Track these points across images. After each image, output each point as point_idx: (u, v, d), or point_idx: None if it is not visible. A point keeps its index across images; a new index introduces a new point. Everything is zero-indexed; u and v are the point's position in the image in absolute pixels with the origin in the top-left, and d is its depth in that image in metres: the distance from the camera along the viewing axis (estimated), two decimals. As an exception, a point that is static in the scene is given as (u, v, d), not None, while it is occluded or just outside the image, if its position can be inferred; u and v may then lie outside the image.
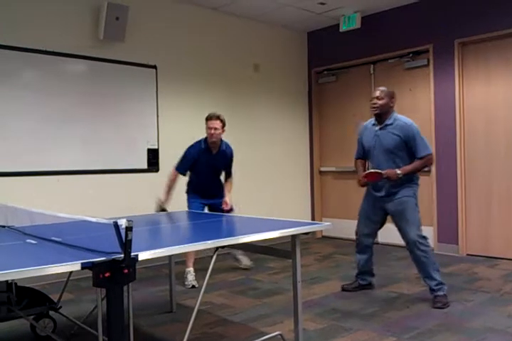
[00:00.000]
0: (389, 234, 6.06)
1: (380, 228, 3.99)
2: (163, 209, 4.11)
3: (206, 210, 4.52)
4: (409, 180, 3.68)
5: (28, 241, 2.35)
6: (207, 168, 4.43)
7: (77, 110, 4.80)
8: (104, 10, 4.77)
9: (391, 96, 3.73)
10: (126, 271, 1.86)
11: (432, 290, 3.63)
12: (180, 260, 5.15)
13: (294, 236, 2.69)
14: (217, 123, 4.32)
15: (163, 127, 5.45)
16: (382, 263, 5.03)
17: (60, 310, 3.07)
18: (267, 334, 2.91)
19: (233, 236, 2.48)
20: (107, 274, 1.83)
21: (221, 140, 4.46)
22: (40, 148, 4.55)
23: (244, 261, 4.91)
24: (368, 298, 3.81)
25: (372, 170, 3.64)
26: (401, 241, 6.03)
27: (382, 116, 3.71)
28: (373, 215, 3.88)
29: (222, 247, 2.40)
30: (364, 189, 3.97)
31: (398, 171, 3.56)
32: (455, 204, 5.45)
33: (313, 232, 6.67)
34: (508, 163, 5.13)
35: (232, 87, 6.09)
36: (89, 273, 1.81)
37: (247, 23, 6.27)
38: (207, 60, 5.85)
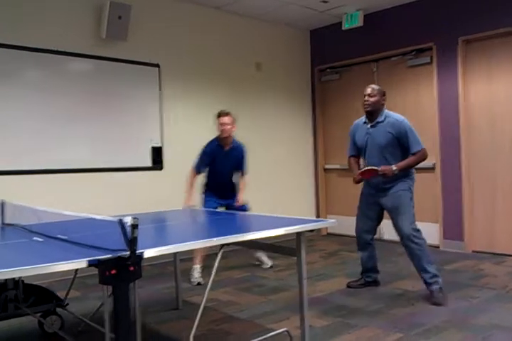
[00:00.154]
0: (393, 230, 6.07)
1: (378, 224, 3.99)
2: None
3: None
4: (404, 174, 3.70)
5: (35, 239, 2.37)
6: (221, 165, 4.53)
7: (80, 109, 4.81)
8: (107, 9, 4.78)
9: (382, 93, 3.77)
10: (132, 268, 1.87)
11: (427, 283, 3.64)
12: (186, 257, 5.15)
13: (299, 234, 2.69)
14: (227, 119, 4.47)
15: (167, 125, 5.46)
16: (387, 259, 5.02)
17: (67, 307, 3.09)
18: (273, 330, 2.92)
19: (238, 233, 2.48)
20: (113, 271, 1.84)
21: (232, 137, 4.59)
22: (44, 147, 4.57)
23: (266, 261, 4.92)
24: (374, 295, 3.81)
25: (368, 168, 3.65)
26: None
27: (373, 113, 3.74)
28: (370, 211, 3.90)
29: (228, 244, 2.41)
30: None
31: (394, 167, 3.58)
32: (460, 200, 5.44)
33: (319, 229, 6.68)
34: (512, 159, 5.13)
35: (235, 85, 6.10)
36: (95, 271, 1.82)
37: (249, 22, 6.27)
38: (209, 58, 5.85)
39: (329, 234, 6.80)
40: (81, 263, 1.80)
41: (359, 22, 6.00)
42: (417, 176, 5.74)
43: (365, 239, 3.97)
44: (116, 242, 1.92)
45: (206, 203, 4.55)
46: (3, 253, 2.16)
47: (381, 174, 3.60)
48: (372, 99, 3.70)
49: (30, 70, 4.54)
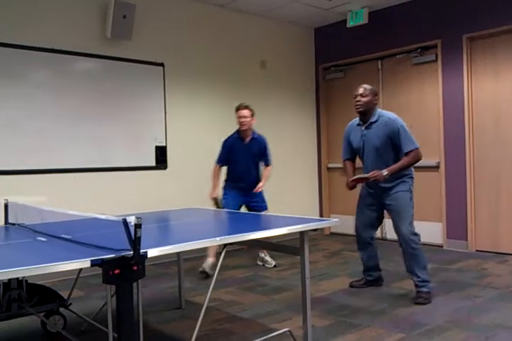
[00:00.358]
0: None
1: (378, 224, 3.95)
2: (216, 201, 4.59)
3: (242, 209, 4.79)
4: (404, 174, 3.64)
5: (39, 238, 2.37)
6: (242, 157, 4.68)
7: (85, 108, 4.82)
8: (112, 8, 4.78)
9: (374, 93, 3.70)
10: (135, 267, 1.87)
11: (416, 285, 3.63)
12: (189, 257, 5.17)
13: (302, 233, 2.69)
14: (246, 112, 4.63)
15: (171, 124, 5.46)
16: (390, 259, 5.02)
17: (70, 307, 3.09)
18: (275, 330, 2.92)
19: (241, 233, 2.48)
20: (117, 271, 1.84)
21: (252, 129, 4.73)
22: (49, 147, 4.58)
23: (269, 260, 4.93)
24: (377, 295, 3.81)
25: (358, 176, 3.62)
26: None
27: (366, 114, 3.68)
28: (369, 211, 3.86)
29: (231, 244, 2.41)
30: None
31: (385, 172, 3.50)
32: (464, 200, 5.43)
33: (322, 229, 6.67)
34: (517, 158, 5.11)
35: (239, 83, 6.09)
36: (98, 270, 1.83)
37: (253, 20, 6.26)
38: (214, 57, 5.85)
39: (332, 234, 6.80)
40: (84, 263, 1.80)
41: (364, 19, 5.98)
42: (421, 175, 5.82)
43: (365, 239, 3.93)
44: (119, 242, 1.93)
45: (224, 201, 4.68)
46: (7, 252, 2.16)
47: (372, 180, 3.54)
48: (364, 99, 3.64)
49: (35, 70, 4.54)
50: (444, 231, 5.63)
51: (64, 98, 4.68)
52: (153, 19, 5.31)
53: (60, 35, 4.67)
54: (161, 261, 4.96)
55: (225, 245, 2.44)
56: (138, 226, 1.85)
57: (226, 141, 4.72)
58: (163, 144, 5.39)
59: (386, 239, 6.20)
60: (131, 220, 1.86)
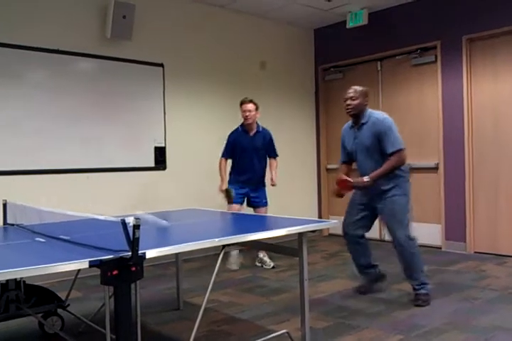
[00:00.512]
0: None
1: (369, 225, 3.81)
2: (228, 193, 4.72)
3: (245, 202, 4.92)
4: (397, 176, 3.54)
5: (37, 239, 2.37)
6: (248, 150, 4.81)
7: (84, 108, 4.81)
8: (111, 8, 4.77)
9: (365, 95, 3.62)
10: (133, 268, 1.87)
11: (414, 288, 3.60)
12: (187, 258, 5.17)
13: (300, 234, 2.69)
14: (250, 106, 4.76)
15: (170, 125, 5.46)
16: (388, 260, 5.00)
17: (68, 308, 3.09)
18: (273, 332, 2.91)
19: (240, 234, 2.48)
20: (115, 272, 1.84)
21: (257, 123, 4.89)
22: (49, 147, 4.57)
23: (268, 261, 4.94)
24: (375, 296, 3.80)
25: (342, 178, 3.55)
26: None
27: (357, 116, 3.61)
28: (359, 211, 3.73)
29: (229, 245, 2.40)
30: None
31: (365, 179, 3.44)
32: (463, 201, 5.43)
33: (320, 230, 6.66)
34: (516, 160, 5.11)
35: (239, 84, 6.09)
36: (97, 271, 1.82)
37: (253, 21, 6.26)
38: (214, 57, 5.85)
39: (331, 235, 6.79)
40: (83, 264, 1.80)
41: (363, 20, 5.97)
42: (420, 176, 5.83)
43: (352, 238, 3.77)
44: (118, 243, 1.92)
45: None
46: (5, 253, 2.16)
47: (355, 187, 3.48)
48: (355, 102, 3.57)
49: (35, 70, 4.54)
50: (442, 233, 5.63)
51: (63, 98, 4.68)
52: (153, 19, 5.31)
53: (60, 36, 4.67)
54: (159, 262, 4.95)
55: (223, 246, 2.44)
56: (136, 227, 1.84)
57: (231, 134, 4.85)
58: (163, 145, 5.39)
59: (384, 241, 6.20)
60: (130, 221, 1.86)
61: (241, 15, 6.12)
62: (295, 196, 6.67)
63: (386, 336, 2.96)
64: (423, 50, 5.77)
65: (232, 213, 3.85)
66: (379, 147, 3.52)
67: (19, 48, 4.41)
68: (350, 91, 3.62)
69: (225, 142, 4.87)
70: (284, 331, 2.89)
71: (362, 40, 6.33)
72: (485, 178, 5.32)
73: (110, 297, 1.97)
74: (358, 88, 3.64)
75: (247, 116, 4.76)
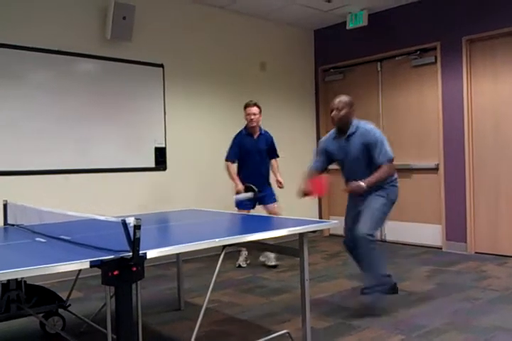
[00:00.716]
0: (396, 231, 6.07)
1: None
2: (251, 188, 4.70)
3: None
4: (386, 182, 3.49)
5: (38, 239, 2.37)
6: (252, 153, 4.88)
7: (85, 109, 4.82)
8: (111, 9, 4.78)
9: (351, 105, 3.53)
10: (134, 269, 1.88)
11: (361, 291, 3.49)
12: (188, 258, 5.17)
13: (301, 235, 2.69)
14: (254, 109, 4.86)
15: (171, 125, 5.46)
16: (389, 261, 5.01)
17: (69, 308, 3.09)
18: (274, 332, 2.91)
19: (241, 234, 2.48)
20: (116, 272, 1.84)
21: (260, 126, 4.97)
22: (50, 148, 4.58)
23: (272, 258, 4.96)
24: (376, 296, 3.79)
25: (321, 180, 3.50)
26: (409, 239, 6.04)
27: (344, 126, 3.53)
28: (353, 215, 3.66)
29: (230, 245, 2.41)
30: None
31: (362, 183, 3.34)
32: (463, 202, 5.43)
33: (321, 230, 6.66)
34: (516, 160, 5.11)
35: (239, 85, 6.10)
36: (98, 272, 1.83)
37: (253, 22, 6.27)
38: (213, 58, 5.85)
39: (331, 235, 6.79)
40: (84, 264, 1.80)
41: (363, 21, 5.98)
42: (420, 177, 5.84)
43: (351, 248, 3.63)
44: (119, 243, 1.93)
45: (235, 196, 4.78)
46: (5, 253, 2.16)
47: (351, 192, 3.42)
48: (341, 113, 3.48)
49: (35, 71, 4.55)
50: (443, 233, 5.63)
51: (63, 99, 4.69)
52: (152, 20, 5.31)
53: (60, 36, 4.67)
54: (160, 262, 4.95)
55: (224, 246, 2.44)
56: (137, 227, 1.85)
57: (236, 137, 4.90)
58: (163, 145, 5.39)
59: (386, 241, 6.20)
60: (131, 221, 1.86)
61: (241, 16, 6.12)
62: (295, 196, 6.66)
63: (387, 336, 2.96)
64: (423, 51, 5.78)
65: (233, 214, 3.85)
66: (368, 157, 3.48)
67: (19, 49, 4.42)
68: (336, 101, 3.52)
69: (229, 145, 4.90)
70: (284, 331, 2.89)
71: (362, 41, 6.34)
72: (485, 178, 5.33)
73: (111, 297, 1.97)
74: (344, 99, 3.55)
75: (252, 119, 4.83)
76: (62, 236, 2.35)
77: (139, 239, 1.85)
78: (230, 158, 4.87)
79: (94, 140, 4.87)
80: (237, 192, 4.74)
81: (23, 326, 3.23)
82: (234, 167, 4.87)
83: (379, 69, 6.30)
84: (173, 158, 5.47)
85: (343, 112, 3.49)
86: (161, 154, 5.37)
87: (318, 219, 5.78)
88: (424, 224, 5.79)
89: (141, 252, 1.88)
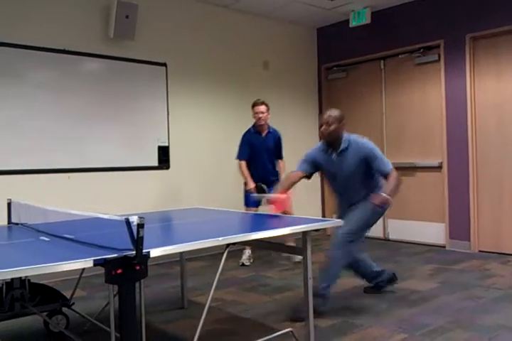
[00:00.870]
0: (400, 230, 6.07)
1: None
2: (260, 187, 4.72)
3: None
4: (373, 192, 3.43)
5: (41, 238, 2.38)
6: (260, 151, 4.94)
7: (88, 108, 4.82)
8: (114, 8, 4.78)
9: (340, 119, 3.44)
10: (138, 267, 1.88)
11: (318, 289, 3.34)
12: (192, 257, 5.18)
13: (304, 233, 2.70)
14: (262, 108, 4.94)
15: (174, 124, 5.46)
16: (391, 259, 5.01)
17: (73, 307, 3.10)
18: (278, 330, 2.91)
19: (244, 233, 2.48)
20: (119, 271, 1.84)
21: (267, 123, 5.03)
22: (52, 146, 4.59)
23: (296, 256, 4.98)
24: (379, 295, 3.80)
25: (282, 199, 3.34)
26: (412, 237, 6.03)
27: (333, 142, 3.46)
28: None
29: (233, 244, 2.41)
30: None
31: (386, 195, 3.20)
32: (467, 200, 5.42)
33: (324, 229, 6.66)
34: (520, 158, 5.10)
35: (242, 84, 6.09)
36: (101, 270, 1.83)
37: (256, 20, 6.26)
38: (216, 57, 5.85)
39: (335, 233, 6.78)
40: (87, 263, 1.80)
41: (366, 19, 5.97)
42: (424, 175, 5.83)
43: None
44: (122, 241, 1.93)
45: (247, 196, 4.84)
46: (9, 252, 2.17)
47: (381, 206, 3.25)
48: (330, 128, 3.40)
49: (37, 70, 4.55)
50: (446, 232, 5.62)
51: (66, 98, 4.69)
52: (155, 19, 5.31)
53: (62, 35, 4.68)
54: (163, 260, 4.96)
55: (227, 245, 2.44)
56: (141, 226, 1.85)
57: (244, 136, 4.97)
58: (166, 144, 5.40)
59: (389, 240, 6.20)
60: (134, 220, 1.86)
61: (244, 15, 6.12)
62: (299, 195, 6.66)
63: (390, 334, 2.96)
64: (426, 49, 5.76)
65: (236, 212, 3.85)
66: (364, 171, 3.43)
67: (22, 48, 4.42)
68: (326, 116, 3.44)
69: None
70: (288, 329, 2.89)
71: (365, 39, 6.32)
72: (489, 177, 5.31)
73: (115, 295, 1.98)
74: (333, 113, 3.46)
75: (260, 118, 4.90)
76: (65, 235, 2.36)
77: (142, 237, 1.85)
78: (241, 157, 4.94)
79: (96, 139, 4.87)
80: (250, 191, 4.75)
81: (27, 324, 3.24)
82: (246, 165, 4.92)
83: (382, 67, 6.29)
84: (177, 157, 5.47)
85: (332, 127, 3.41)
86: (164, 153, 5.37)
87: (321, 218, 5.78)
88: (427, 222, 5.78)
89: (144, 251, 1.89)
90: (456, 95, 5.48)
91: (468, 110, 5.38)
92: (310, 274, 2.72)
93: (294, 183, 3.69)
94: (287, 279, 4.38)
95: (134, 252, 1.86)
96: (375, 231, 6.15)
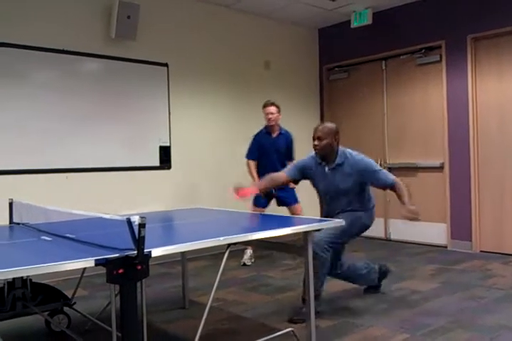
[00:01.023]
0: (401, 230, 6.07)
1: (340, 257, 3.60)
2: (270, 194, 4.42)
3: (273, 202, 4.90)
4: (366, 203, 3.43)
5: (43, 238, 2.38)
6: (270, 152, 4.96)
7: (90, 108, 4.83)
8: (116, 8, 4.79)
9: (334, 133, 3.35)
10: (139, 267, 1.88)
11: (302, 298, 3.32)
12: (193, 256, 5.18)
13: (305, 233, 2.70)
14: (273, 109, 4.95)
15: (175, 124, 5.47)
16: (394, 259, 5.01)
17: (74, 306, 3.10)
18: (279, 330, 2.92)
19: (245, 233, 2.48)
20: (121, 270, 1.85)
21: (279, 125, 5.06)
22: (54, 146, 4.60)
23: None
24: (380, 295, 3.80)
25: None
26: (413, 238, 6.03)
27: (327, 156, 3.39)
28: None
29: (234, 244, 2.41)
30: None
31: (411, 207, 3.15)
32: (468, 200, 5.42)
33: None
34: (522, 159, 5.09)
35: (243, 84, 6.10)
36: (102, 270, 1.83)
37: (258, 21, 6.26)
38: (218, 57, 5.86)
39: (336, 234, 6.78)
40: (89, 262, 1.81)
41: (368, 20, 5.97)
42: (425, 175, 5.83)
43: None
44: (124, 241, 1.93)
45: (256, 197, 4.77)
46: (11, 252, 2.17)
47: (411, 219, 3.18)
48: (323, 143, 3.32)
49: (40, 70, 4.56)
50: (448, 232, 5.62)
51: (68, 98, 4.70)
52: (157, 19, 5.32)
53: (64, 35, 4.69)
54: (165, 260, 4.96)
55: (228, 245, 2.44)
56: (142, 225, 1.85)
57: (255, 136, 5.02)
58: (167, 144, 5.40)
59: (390, 240, 6.20)
60: (136, 220, 1.86)
61: (245, 15, 6.12)
62: (300, 195, 6.66)
63: (392, 334, 2.96)
64: (428, 50, 5.76)
65: (237, 212, 3.85)
66: (359, 186, 3.38)
67: (24, 48, 4.43)
68: (318, 130, 3.36)
69: (249, 143, 5.01)
70: (289, 329, 2.89)
71: (366, 39, 6.32)
72: (490, 177, 5.31)
73: (116, 295, 1.98)
74: (327, 127, 3.37)
75: (270, 119, 4.94)
76: (67, 235, 2.36)
77: (143, 237, 1.86)
78: (249, 157, 4.99)
79: (98, 139, 4.88)
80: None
81: (29, 324, 3.25)
82: (254, 165, 4.96)
83: (383, 67, 6.29)
84: (178, 157, 5.48)
85: (324, 142, 3.32)
86: (165, 153, 5.38)
87: (322, 218, 5.77)
88: (429, 222, 5.77)
89: (145, 250, 1.89)
90: (458, 96, 5.48)
91: (470, 110, 5.37)
92: (311, 274, 2.72)
93: (275, 186, 3.61)
94: (289, 279, 4.38)
95: (136, 252, 1.86)
96: (377, 231, 6.15)
